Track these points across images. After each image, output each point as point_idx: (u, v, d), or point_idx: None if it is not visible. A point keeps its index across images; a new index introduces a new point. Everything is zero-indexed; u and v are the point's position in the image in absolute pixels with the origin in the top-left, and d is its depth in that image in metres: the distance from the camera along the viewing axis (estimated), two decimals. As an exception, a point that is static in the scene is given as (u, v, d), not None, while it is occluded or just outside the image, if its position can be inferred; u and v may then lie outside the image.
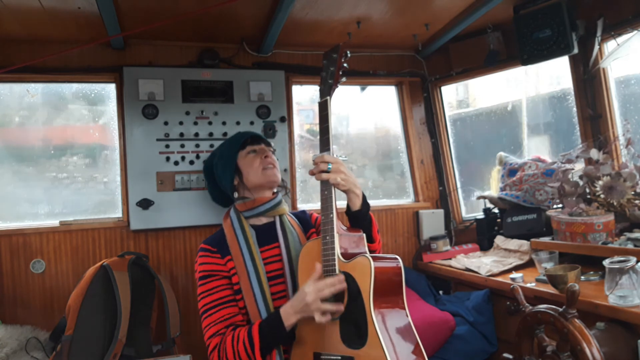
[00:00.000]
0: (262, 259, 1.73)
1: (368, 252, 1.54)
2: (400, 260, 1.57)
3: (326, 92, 1.62)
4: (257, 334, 1.54)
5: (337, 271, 1.50)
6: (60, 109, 2.55)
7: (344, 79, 1.62)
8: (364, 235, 1.58)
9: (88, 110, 2.58)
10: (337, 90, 1.63)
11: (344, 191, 1.59)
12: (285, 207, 1.86)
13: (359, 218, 1.62)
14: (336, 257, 1.50)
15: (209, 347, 1.62)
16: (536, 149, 2.99)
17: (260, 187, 1.83)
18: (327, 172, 1.54)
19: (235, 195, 1.88)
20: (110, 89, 2.52)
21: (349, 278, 1.49)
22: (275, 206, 1.82)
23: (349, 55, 1.62)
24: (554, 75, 2.94)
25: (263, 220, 1.83)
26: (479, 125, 3.14)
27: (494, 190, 3.11)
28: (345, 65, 1.61)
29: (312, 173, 1.59)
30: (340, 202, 1.61)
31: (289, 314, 1.53)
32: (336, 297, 1.50)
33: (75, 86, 2.53)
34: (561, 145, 2.94)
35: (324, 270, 1.52)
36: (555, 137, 3.07)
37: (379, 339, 1.40)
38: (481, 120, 3.17)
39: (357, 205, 1.61)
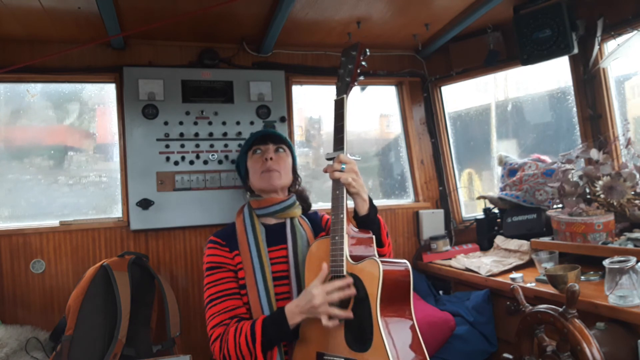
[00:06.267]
0: (270, 259, 1.74)
1: (377, 255, 1.52)
2: (408, 264, 1.54)
3: (343, 90, 1.62)
4: (260, 329, 1.54)
5: (345, 272, 1.48)
6: (61, 108, 2.55)
7: (361, 78, 1.64)
8: (374, 237, 1.57)
9: (87, 110, 2.58)
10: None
11: (351, 194, 1.58)
12: (298, 211, 1.86)
13: (368, 222, 1.61)
14: (344, 258, 1.49)
15: (212, 337, 1.62)
16: (505, 152, 3.00)
17: (262, 191, 1.85)
18: (341, 171, 1.55)
19: (248, 195, 1.95)
20: (110, 88, 2.52)
21: (357, 280, 1.47)
22: (286, 209, 1.82)
23: (368, 53, 1.63)
24: (521, 81, 3.01)
25: (273, 220, 1.84)
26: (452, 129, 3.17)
27: (464, 195, 3.11)
28: (363, 63, 1.62)
29: (326, 171, 1.59)
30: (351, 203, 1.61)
31: (294, 313, 1.53)
32: (342, 300, 1.48)
33: (76, 86, 2.53)
34: (536, 147, 2.98)
35: (332, 270, 1.51)
36: (525, 140, 3.11)
37: (384, 344, 1.37)
38: (452, 124, 3.19)
39: (364, 209, 1.61)
